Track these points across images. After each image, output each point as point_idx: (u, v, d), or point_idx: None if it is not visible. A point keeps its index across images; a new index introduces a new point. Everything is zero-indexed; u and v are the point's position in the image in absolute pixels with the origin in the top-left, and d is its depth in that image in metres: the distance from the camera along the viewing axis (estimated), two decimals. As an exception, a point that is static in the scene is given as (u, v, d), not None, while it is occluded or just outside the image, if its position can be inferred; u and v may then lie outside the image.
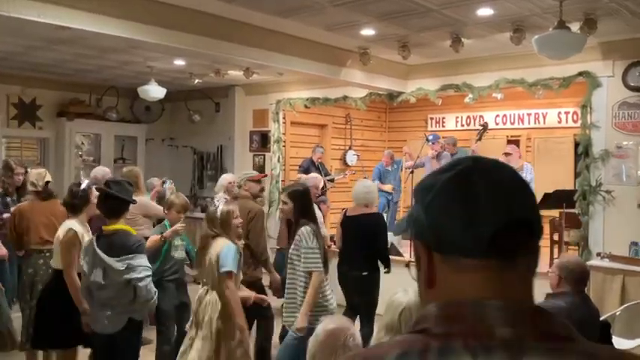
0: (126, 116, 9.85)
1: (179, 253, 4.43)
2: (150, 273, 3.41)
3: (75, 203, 3.89)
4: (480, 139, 7.93)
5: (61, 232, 3.86)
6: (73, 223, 3.84)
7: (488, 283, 0.83)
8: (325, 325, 2.27)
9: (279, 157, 8.70)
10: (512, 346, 0.77)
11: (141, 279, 3.27)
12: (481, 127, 8.07)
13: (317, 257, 3.67)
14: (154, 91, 7.77)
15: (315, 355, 2.20)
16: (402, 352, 0.81)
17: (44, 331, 3.85)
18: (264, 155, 9.07)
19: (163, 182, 6.03)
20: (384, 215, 8.43)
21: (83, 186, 3.96)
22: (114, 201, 3.44)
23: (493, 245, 0.82)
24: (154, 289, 3.44)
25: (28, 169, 5.42)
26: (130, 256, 3.29)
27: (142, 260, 3.35)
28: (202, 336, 3.55)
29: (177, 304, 4.42)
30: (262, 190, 5.35)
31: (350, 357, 1.09)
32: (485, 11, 5.00)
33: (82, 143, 9.58)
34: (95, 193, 3.83)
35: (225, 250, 3.57)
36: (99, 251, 3.32)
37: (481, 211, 0.83)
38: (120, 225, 3.42)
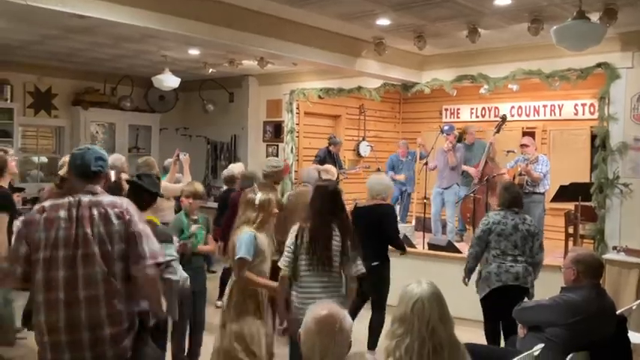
0: (140, 105, 9.88)
1: (196, 242, 4.47)
2: (174, 258, 3.57)
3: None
4: (498, 131, 7.86)
5: None
6: None
7: (83, 184, 2.61)
8: (315, 313, 2.20)
9: (292, 147, 8.69)
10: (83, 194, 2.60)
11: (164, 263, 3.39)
12: (500, 120, 7.99)
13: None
14: (169, 81, 7.78)
15: (313, 346, 2.16)
16: (52, 203, 2.57)
17: None
18: (277, 145, 9.07)
19: (178, 156, 5.98)
20: (398, 207, 8.42)
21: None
22: (144, 193, 3.52)
23: (79, 176, 2.62)
24: (184, 274, 3.62)
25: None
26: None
27: (171, 249, 3.52)
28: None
29: (193, 291, 4.43)
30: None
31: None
32: (502, 1, 4.93)
33: (97, 132, 9.63)
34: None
35: (240, 237, 3.75)
36: None
37: (76, 169, 2.63)
38: (147, 216, 3.45)
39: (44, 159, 9.39)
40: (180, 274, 3.63)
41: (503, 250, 4.46)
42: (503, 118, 7.95)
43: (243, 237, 3.76)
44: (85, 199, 2.55)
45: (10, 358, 4.73)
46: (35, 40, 6.98)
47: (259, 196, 3.86)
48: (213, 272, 7.30)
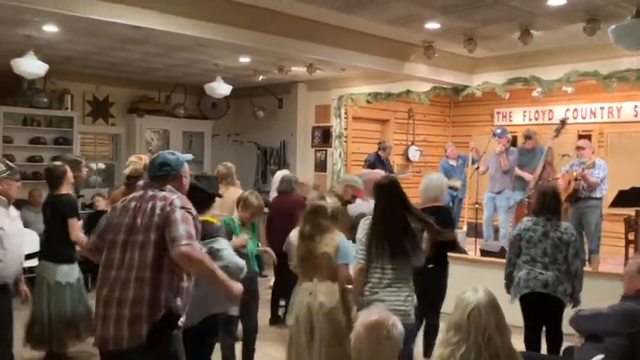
0: (193, 113, 10.13)
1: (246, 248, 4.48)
2: (224, 248, 3.43)
3: None
4: (557, 135, 7.64)
5: None
6: None
7: (152, 185, 2.92)
8: (364, 319, 2.22)
9: (340, 152, 8.71)
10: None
11: (221, 250, 3.35)
12: (559, 123, 7.77)
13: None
14: (220, 88, 7.94)
15: (360, 350, 2.18)
16: (131, 195, 2.94)
17: None
18: (325, 151, 9.11)
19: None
20: (449, 212, 8.28)
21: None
22: (200, 194, 3.49)
23: (149, 178, 2.94)
24: (242, 261, 3.44)
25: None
26: (209, 240, 3.36)
27: (223, 242, 3.41)
28: (322, 326, 3.61)
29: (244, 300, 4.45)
30: (349, 202, 5.25)
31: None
32: (556, 1, 4.82)
33: (152, 139, 9.93)
34: None
35: (344, 243, 3.70)
36: None
37: (147, 172, 3.05)
38: (206, 216, 3.48)
39: (102, 165, 9.75)
40: (236, 261, 3.41)
41: (533, 257, 4.33)
42: (563, 122, 7.72)
43: (346, 242, 3.71)
44: (150, 192, 2.84)
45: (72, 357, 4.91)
46: (93, 51, 7.26)
47: (331, 204, 3.80)
48: (265, 276, 7.37)
